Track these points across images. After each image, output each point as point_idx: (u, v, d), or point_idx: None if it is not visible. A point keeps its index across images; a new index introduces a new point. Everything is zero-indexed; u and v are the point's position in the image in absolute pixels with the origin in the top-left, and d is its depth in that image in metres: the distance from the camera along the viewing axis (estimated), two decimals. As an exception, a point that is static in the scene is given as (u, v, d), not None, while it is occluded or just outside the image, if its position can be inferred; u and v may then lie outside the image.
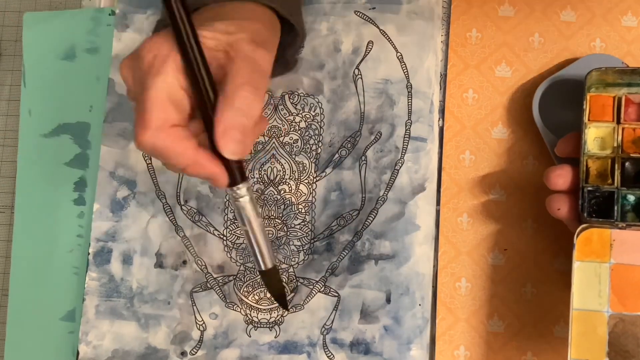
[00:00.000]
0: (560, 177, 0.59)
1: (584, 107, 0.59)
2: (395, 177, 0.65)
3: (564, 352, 0.59)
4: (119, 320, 0.64)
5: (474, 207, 0.65)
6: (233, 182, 0.53)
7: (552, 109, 0.64)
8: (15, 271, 0.66)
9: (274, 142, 0.66)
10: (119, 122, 0.67)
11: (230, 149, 0.51)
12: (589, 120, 0.59)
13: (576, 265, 0.57)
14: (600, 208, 0.58)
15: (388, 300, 0.63)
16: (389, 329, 0.63)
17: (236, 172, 0.53)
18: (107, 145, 0.67)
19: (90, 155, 0.68)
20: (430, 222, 0.64)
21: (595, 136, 0.59)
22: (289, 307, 0.64)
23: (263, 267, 0.58)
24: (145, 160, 0.66)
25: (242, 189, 0.54)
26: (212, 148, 0.52)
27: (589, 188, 0.58)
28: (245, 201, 0.54)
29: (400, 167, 0.65)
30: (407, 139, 0.65)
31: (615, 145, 0.59)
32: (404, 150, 0.65)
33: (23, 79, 0.69)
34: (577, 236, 0.57)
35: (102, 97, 0.68)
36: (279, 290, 0.61)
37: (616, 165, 0.58)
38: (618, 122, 0.59)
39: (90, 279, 0.65)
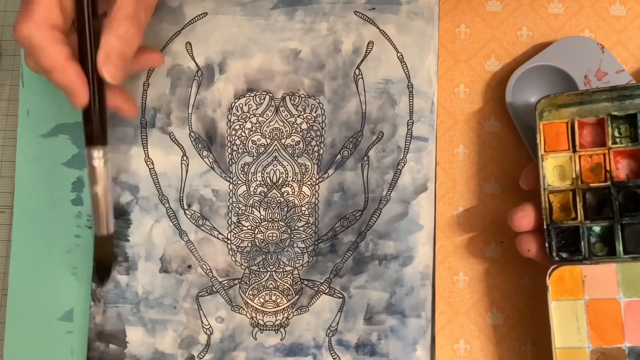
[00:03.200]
0: (524, 219, 0.58)
1: (538, 139, 0.59)
2: (398, 177, 0.65)
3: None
4: (125, 325, 0.64)
5: (470, 201, 0.66)
6: (90, 142, 0.58)
7: (526, 96, 0.65)
8: (14, 271, 0.66)
9: (275, 145, 0.66)
10: (119, 127, 0.67)
11: (110, 72, 0.56)
12: (545, 151, 0.59)
13: (552, 306, 0.57)
14: (567, 242, 0.58)
15: (393, 301, 0.63)
16: (394, 329, 0.63)
17: (99, 134, 0.58)
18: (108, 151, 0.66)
19: (89, 156, 0.68)
20: (433, 222, 0.65)
21: (554, 165, 0.59)
22: (104, 284, 0.65)
23: (104, 232, 0.60)
24: (148, 165, 0.66)
25: (100, 151, 0.58)
26: (82, 65, 0.56)
27: (554, 226, 0.58)
28: (99, 164, 0.58)
29: (402, 167, 0.65)
30: (409, 138, 0.65)
31: (574, 175, 0.58)
32: (406, 150, 0.65)
33: (21, 79, 0.68)
34: (549, 276, 0.57)
35: (100, 97, 0.68)
36: (108, 258, 0.64)
37: (577, 198, 0.58)
38: (574, 151, 0.59)
39: (96, 285, 0.65)
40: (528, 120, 0.64)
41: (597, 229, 0.58)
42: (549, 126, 0.59)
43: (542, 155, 0.59)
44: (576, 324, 0.57)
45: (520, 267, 0.64)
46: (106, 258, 0.63)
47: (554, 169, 0.59)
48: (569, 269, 0.57)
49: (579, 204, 0.58)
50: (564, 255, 0.58)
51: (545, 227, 0.58)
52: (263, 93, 0.67)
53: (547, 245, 0.58)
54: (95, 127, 0.58)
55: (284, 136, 0.66)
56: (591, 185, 0.58)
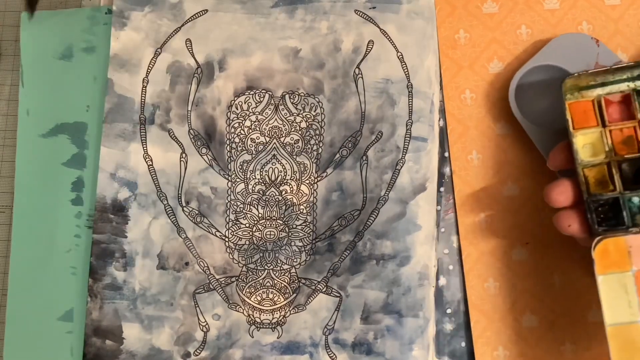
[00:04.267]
0: (562, 194, 0.58)
1: (567, 116, 0.58)
2: (397, 177, 0.65)
3: (600, 336, 0.58)
4: (122, 322, 0.64)
5: (490, 205, 0.65)
6: None
7: (530, 97, 0.65)
8: (14, 271, 0.66)
9: (274, 143, 0.66)
10: (118, 122, 0.67)
11: None
12: (574, 128, 0.58)
13: (600, 280, 0.55)
14: (607, 215, 0.57)
15: (390, 301, 0.63)
16: (391, 329, 0.63)
17: None
18: (106, 147, 0.66)
19: (88, 155, 0.67)
20: (431, 222, 0.64)
21: (584, 143, 0.59)
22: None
23: None
24: (146, 162, 0.66)
25: None
26: None
27: (592, 199, 0.57)
28: None
29: (401, 167, 0.65)
30: (408, 138, 0.65)
31: (607, 149, 0.58)
32: (404, 150, 0.65)
33: (21, 79, 0.68)
34: (593, 249, 0.56)
35: (99, 96, 0.68)
36: None
37: (613, 170, 0.58)
38: (604, 125, 0.58)
39: (93, 281, 0.65)
40: (534, 121, 0.64)
41: (636, 199, 0.57)
42: (576, 105, 0.59)
43: (571, 132, 0.58)
44: (626, 297, 0.55)
45: (548, 266, 0.64)
46: None
47: (584, 147, 0.58)
48: (613, 241, 0.55)
49: (615, 175, 0.57)
50: (606, 227, 0.57)
51: (585, 200, 0.57)
52: (263, 91, 0.67)
53: (589, 217, 0.57)
54: None
55: (283, 134, 0.66)
56: (626, 156, 0.57)
